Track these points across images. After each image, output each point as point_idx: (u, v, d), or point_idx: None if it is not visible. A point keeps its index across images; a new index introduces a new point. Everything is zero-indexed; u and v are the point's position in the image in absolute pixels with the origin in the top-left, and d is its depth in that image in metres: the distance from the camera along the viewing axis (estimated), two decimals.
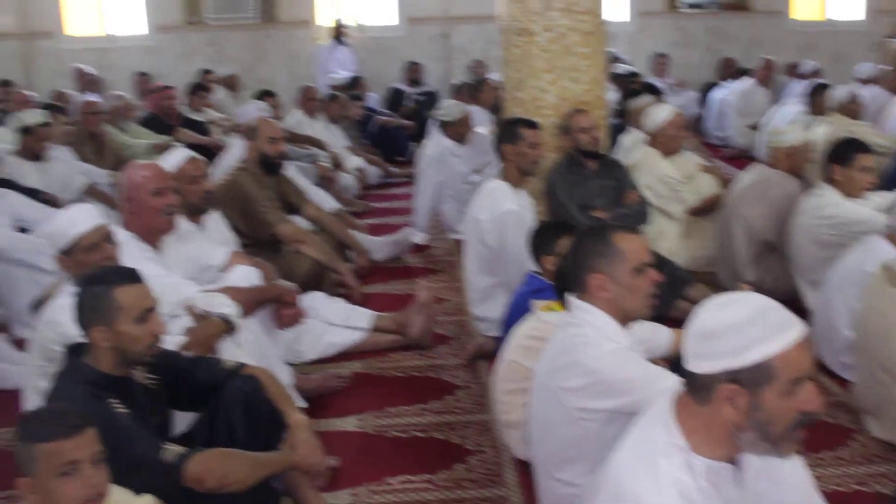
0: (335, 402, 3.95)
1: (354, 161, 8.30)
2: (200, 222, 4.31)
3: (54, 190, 6.15)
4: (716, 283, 4.98)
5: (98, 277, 2.58)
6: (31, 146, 6.20)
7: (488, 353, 4.12)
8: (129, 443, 2.38)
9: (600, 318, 2.54)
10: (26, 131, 6.22)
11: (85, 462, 2.08)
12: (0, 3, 11.19)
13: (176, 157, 4.24)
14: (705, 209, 5.34)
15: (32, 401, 3.07)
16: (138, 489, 2.33)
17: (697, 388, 1.83)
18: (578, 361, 2.48)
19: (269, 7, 11.41)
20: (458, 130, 6.11)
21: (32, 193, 5.77)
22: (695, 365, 1.81)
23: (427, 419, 3.76)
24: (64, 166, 6.42)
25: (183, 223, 4.10)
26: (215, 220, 4.49)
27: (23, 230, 5.01)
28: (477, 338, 4.48)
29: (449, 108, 6.19)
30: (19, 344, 4.41)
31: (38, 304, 3.42)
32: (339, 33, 11.00)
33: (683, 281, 4.63)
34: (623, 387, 2.43)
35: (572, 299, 2.63)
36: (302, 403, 3.71)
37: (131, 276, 2.58)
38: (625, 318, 2.58)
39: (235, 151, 5.78)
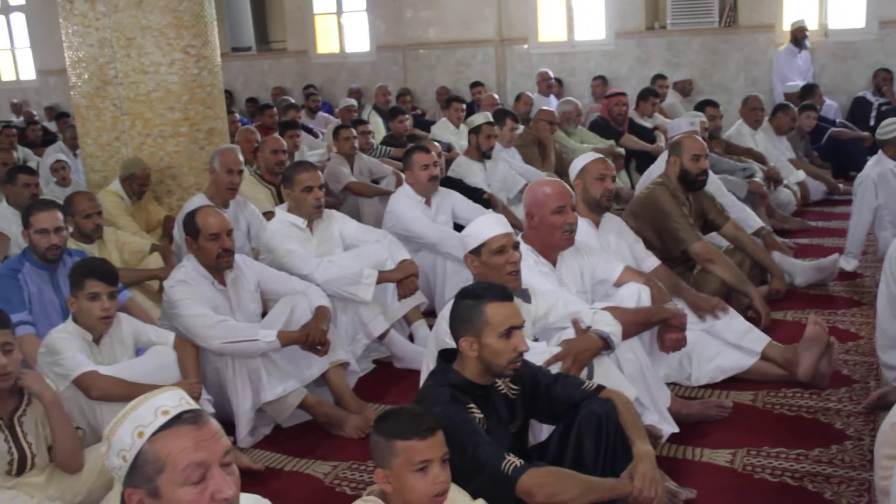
0: (712, 431, 3.90)
1: (796, 175, 7.93)
2: (599, 222, 4.49)
3: (495, 189, 6.75)
4: None
5: (473, 292, 2.86)
6: (479, 145, 6.86)
7: (890, 405, 3.77)
8: (475, 447, 2.62)
9: None
10: (475, 131, 6.89)
11: (435, 461, 2.34)
12: (485, 13, 12.32)
13: (585, 158, 4.49)
14: None
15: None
16: (474, 492, 2.57)
17: None
18: None
19: (730, 11, 11.20)
20: None
21: (473, 192, 6.39)
22: None
23: (804, 466, 3.56)
24: (506, 167, 6.99)
25: (584, 232, 4.28)
26: (613, 222, 4.62)
27: (458, 226, 5.56)
28: (883, 386, 4.13)
29: (890, 125, 5.66)
30: None
31: None
32: (797, 37, 10.49)
33: None
34: None
35: None
36: (674, 428, 3.74)
37: (503, 295, 2.83)
38: None
39: (660, 164, 5.86)
